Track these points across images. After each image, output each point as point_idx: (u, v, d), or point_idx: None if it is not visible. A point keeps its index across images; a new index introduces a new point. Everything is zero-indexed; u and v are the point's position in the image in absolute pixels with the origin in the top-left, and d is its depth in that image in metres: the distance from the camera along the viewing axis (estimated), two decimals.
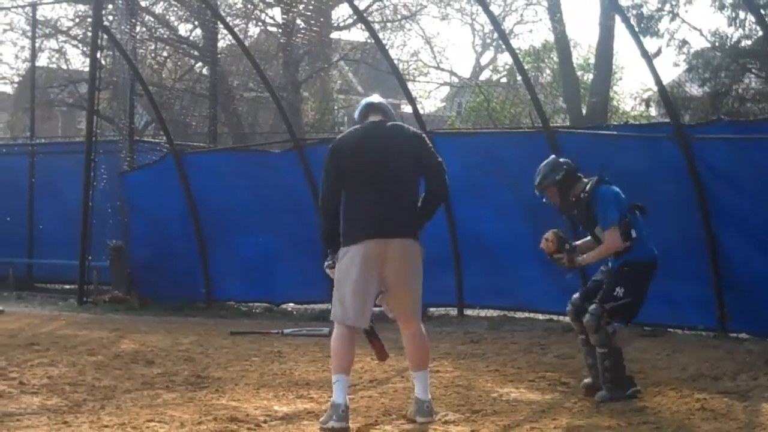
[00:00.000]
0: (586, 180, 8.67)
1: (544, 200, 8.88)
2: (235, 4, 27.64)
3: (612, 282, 8.37)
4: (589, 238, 8.78)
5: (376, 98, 7.92)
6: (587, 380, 8.63)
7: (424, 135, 7.91)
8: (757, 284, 11.36)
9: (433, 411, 7.62)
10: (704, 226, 11.52)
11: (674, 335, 11.80)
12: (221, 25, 19.59)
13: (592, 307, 8.30)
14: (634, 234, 8.41)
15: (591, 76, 30.23)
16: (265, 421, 7.58)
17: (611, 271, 8.46)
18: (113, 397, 8.50)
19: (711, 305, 11.72)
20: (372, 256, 7.38)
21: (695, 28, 25.26)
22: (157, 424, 7.41)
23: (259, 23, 29.16)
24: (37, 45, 28.46)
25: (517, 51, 27.60)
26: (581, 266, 8.82)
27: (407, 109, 15.82)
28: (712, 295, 11.69)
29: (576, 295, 8.69)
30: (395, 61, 20.25)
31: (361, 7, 26.35)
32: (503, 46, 28.42)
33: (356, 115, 7.89)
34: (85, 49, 27.82)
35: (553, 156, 8.98)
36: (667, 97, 12.92)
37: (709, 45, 21.02)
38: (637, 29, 18.00)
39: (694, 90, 21.12)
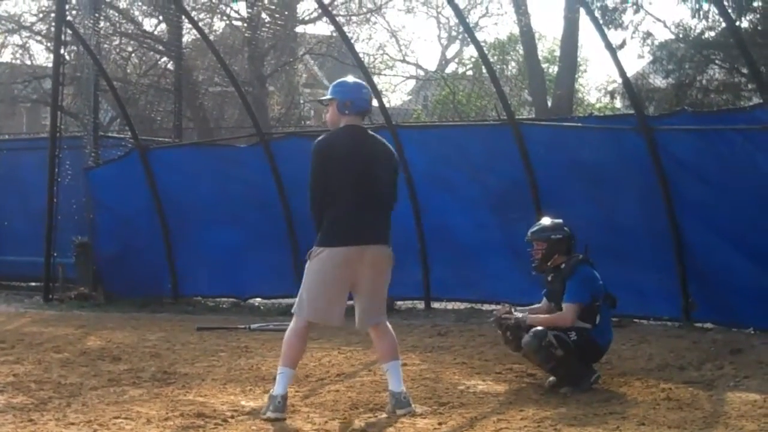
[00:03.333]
0: (579, 257, 8.75)
1: (528, 249, 8.96)
2: None
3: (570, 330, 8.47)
4: (540, 305, 8.93)
5: (369, 95, 7.87)
6: (551, 379, 8.68)
7: (398, 164, 7.96)
8: (721, 274, 11.46)
9: (410, 400, 7.71)
10: (668, 216, 11.59)
11: (640, 325, 11.87)
12: (186, 20, 19.50)
13: (538, 329, 8.40)
14: (598, 320, 8.53)
15: (556, 69, 30.34)
16: (232, 416, 7.56)
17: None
18: (79, 395, 8.45)
19: (676, 295, 11.81)
20: (351, 260, 7.50)
21: (659, 20, 25.21)
22: (124, 420, 7.38)
23: (224, 17, 29.09)
24: (0, 41, 28.31)
25: (483, 44, 27.75)
26: (525, 325, 8.74)
27: (373, 102, 15.77)
28: (678, 286, 11.77)
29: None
30: (361, 55, 20.19)
31: (326, 0, 26.29)
32: (469, 39, 28.48)
33: (351, 97, 7.64)
34: (48, 44, 27.56)
35: (561, 220, 9.03)
36: (631, 88, 12.98)
37: (673, 37, 21.12)
38: (601, 21, 18.06)
39: (659, 81, 21.23)
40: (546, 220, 9.07)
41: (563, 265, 8.70)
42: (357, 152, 7.56)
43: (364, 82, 7.93)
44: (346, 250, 7.47)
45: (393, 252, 7.70)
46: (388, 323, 7.83)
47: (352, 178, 7.49)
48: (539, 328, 8.36)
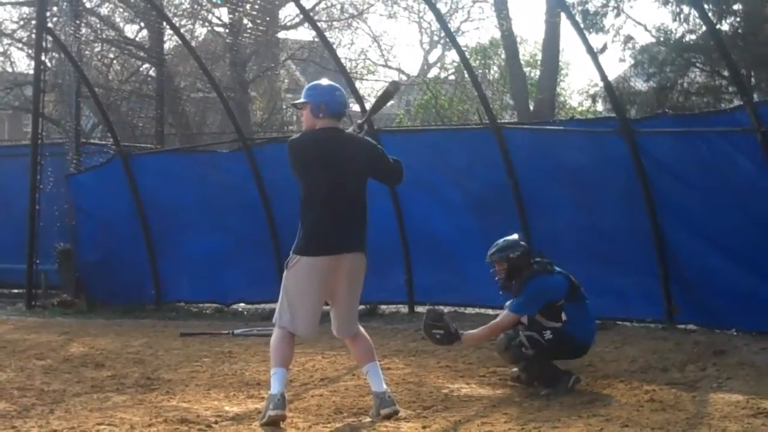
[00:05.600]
0: (535, 267, 8.75)
1: (491, 270, 8.99)
2: (181, 4, 27.58)
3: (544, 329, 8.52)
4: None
5: (344, 98, 7.77)
6: (514, 370, 8.83)
7: (376, 144, 7.86)
8: (703, 276, 11.48)
9: (395, 400, 7.67)
10: (650, 218, 11.62)
11: (623, 327, 11.87)
12: (167, 26, 19.49)
13: (509, 331, 8.53)
14: (564, 317, 8.54)
15: (538, 73, 30.40)
16: (216, 422, 7.54)
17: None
18: (62, 401, 8.43)
19: (659, 297, 11.82)
20: (327, 271, 7.43)
21: (640, 24, 25.47)
22: (107, 427, 7.36)
23: (206, 23, 29.10)
24: None
25: (465, 48, 27.82)
26: (463, 340, 8.78)
27: (355, 107, 15.82)
28: (660, 288, 11.79)
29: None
30: (343, 60, 20.23)
31: (308, 6, 26.35)
32: (450, 44, 28.53)
33: (325, 100, 7.52)
34: (30, 51, 27.53)
35: (516, 235, 9.07)
36: (612, 92, 13.00)
37: (654, 40, 21.19)
38: (582, 25, 18.11)
39: (640, 85, 21.28)
40: (501, 240, 9.03)
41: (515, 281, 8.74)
42: (331, 154, 7.42)
43: (338, 85, 7.84)
44: (321, 260, 7.39)
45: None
46: (360, 327, 7.82)
47: (326, 182, 7.37)
48: (513, 331, 8.47)
